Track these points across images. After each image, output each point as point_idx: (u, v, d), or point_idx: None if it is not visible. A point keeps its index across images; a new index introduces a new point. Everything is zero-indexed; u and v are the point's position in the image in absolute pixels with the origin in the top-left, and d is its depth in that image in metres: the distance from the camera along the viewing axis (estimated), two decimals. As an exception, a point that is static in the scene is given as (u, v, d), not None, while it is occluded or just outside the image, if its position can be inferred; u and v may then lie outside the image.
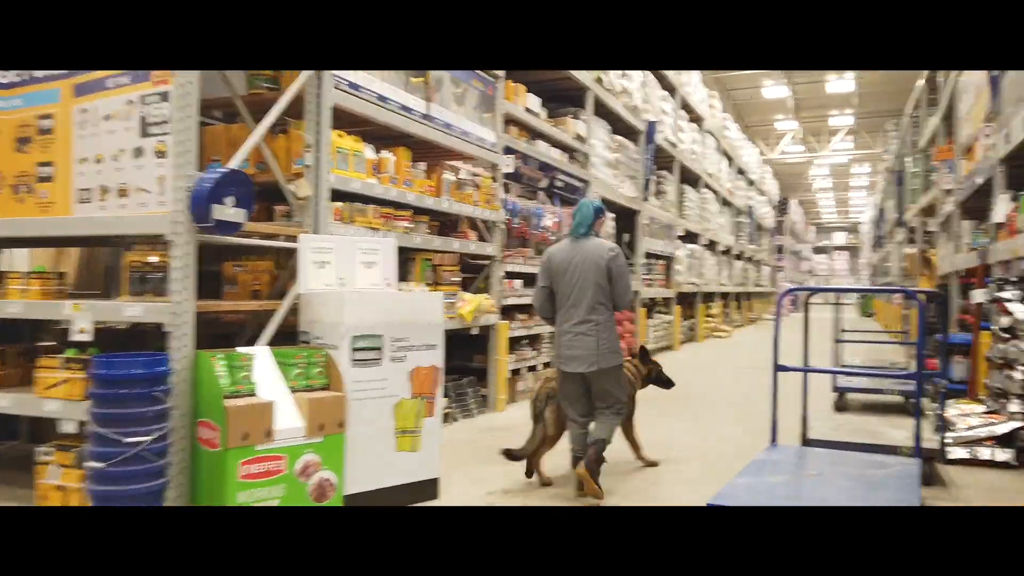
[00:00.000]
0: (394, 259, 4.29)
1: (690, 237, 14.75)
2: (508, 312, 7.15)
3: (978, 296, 5.61)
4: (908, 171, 14.52)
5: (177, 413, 3.33)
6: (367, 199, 5.01)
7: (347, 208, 4.85)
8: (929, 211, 12.66)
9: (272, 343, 3.79)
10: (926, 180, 12.75)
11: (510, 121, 7.25)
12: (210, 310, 3.86)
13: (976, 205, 8.04)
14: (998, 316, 5.31)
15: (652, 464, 4.77)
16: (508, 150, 6.95)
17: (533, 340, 7.67)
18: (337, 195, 4.67)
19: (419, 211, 5.63)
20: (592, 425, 4.14)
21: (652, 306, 12.44)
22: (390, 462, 3.73)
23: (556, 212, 8.43)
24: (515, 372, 7.14)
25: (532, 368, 7.53)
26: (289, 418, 3.33)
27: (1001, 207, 5.49)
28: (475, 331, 6.34)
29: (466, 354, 6.97)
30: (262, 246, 4.22)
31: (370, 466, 3.64)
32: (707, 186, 16.04)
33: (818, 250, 52.80)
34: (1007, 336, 5.05)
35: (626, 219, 10.81)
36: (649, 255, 11.69)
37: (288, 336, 3.98)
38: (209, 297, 4.32)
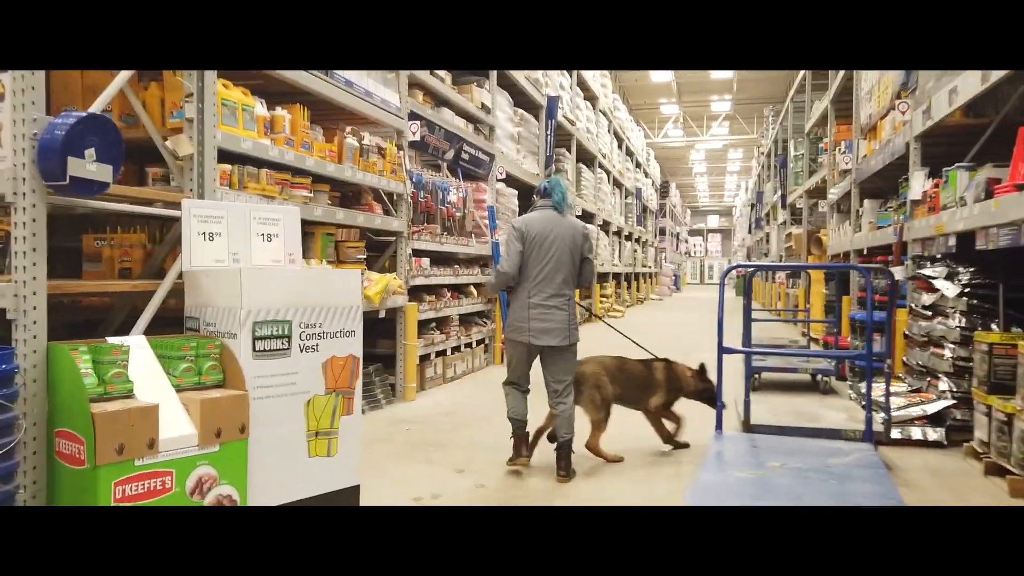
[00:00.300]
0: (297, 230, 3.66)
1: (585, 218, 14.60)
2: (415, 293, 6.59)
3: (897, 273, 5.60)
4: (792, 154, 14.97)
5: (27, 423, 2.61)
6: (260, 162, 4.31)
7: (237, 172, 4.14)
8: (817, 192, 13.08)
9: (150, 332, 3.10)
10: (811, 163, 13.15)
11: (414, 84, 6.65)
12: (66, 291, 3.11)
13: (873, 186, 8.22)
14: (918, 294, 5.29)
15: (684, 446, 4.59)
16: (413, 116, 6.35)
17: (441, 323, 7.14)
18: (224, 157, 3.96)
19: (319, 179, 4.97)
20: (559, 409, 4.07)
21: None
22: (302, 471, 3.13)
23: (461, 187, 7.91)
24: (424, 358, 6.61)
25: (441, 353, 7.01)
26: (176, 424, 2.67)
27: (917, 184, 5.48)
28: (382, 314, 5.75)
29: (371, 339, 6.34)
30: (133, 214, 3.48)
31: (279, 477, 3.03)
32: (601, 166, 15.96)
33: (693, 232, 54.91)
34: (930, 314, 5.02)
35: (528, 197, 10.41)
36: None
37: (170, 324, 3.29)
38: (66, 277, 3.54)
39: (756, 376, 6.76)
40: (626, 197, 20.21)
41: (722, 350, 4.10)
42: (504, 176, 8.66)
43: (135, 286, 3.42)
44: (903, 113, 5.88)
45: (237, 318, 2.96)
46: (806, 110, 13.45)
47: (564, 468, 3.92)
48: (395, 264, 6.17)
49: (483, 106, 8.34)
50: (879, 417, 4.66)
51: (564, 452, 3.95)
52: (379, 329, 6.26)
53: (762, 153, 23.12)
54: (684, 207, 46.68)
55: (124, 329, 3.29)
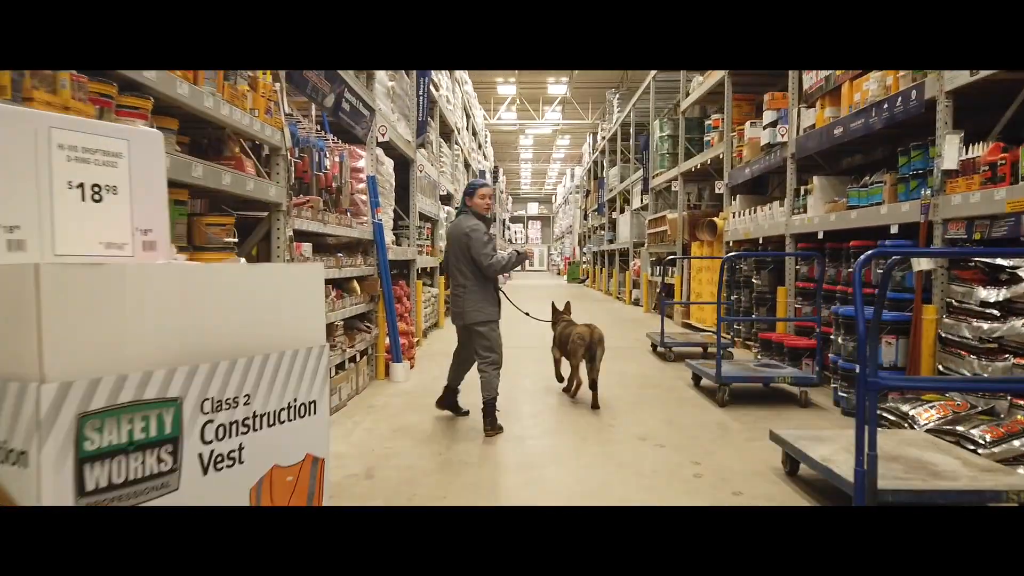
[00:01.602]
0: (159, 175, 1.74)
1: (446, 199, 12.92)
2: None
3: (924, 263, 4.57)
4: (656, 136, 14.23)
5: None
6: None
7: (18, 77, 2.09)
8: (697, 175, 12.34)
9: None
10: (688, 143, 12.38)
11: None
12: None
13: (809, 163, 7.33)
14: (965, 287, 4.25)
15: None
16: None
17: (331, 328, 5.20)
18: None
19: (162, 109, 2.94)
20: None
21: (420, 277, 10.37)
22: None
23: (339, 149, 5.96)
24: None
25: (340, 366, 5.08)
26: None
27: (952, 150, 4.46)
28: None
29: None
30: None
31: None
32: (457, 143, 14.33)
33: (515, 219, 54.81)
34: (997, 313, 3.98)
35: (400, 170, 8.54)
36: (421, 216, 9.59)
37: None
38: None
39: (724, 388, 5.52)
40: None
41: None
42: (386, 138, 6.78)
43: None
44: (902, 75, 4.84)
45: (29, 411, 1.05)
46: (681, 88, 12.67)
47: (490, 424, 4.72)
48: (268, 251, 4.19)
49: (361, 45, 6.40)
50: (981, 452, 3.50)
51: (487, 411, 4.73)
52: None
53: (603, 138, 22.59)
54: (507, 194, 46.20)
55: None
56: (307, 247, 4.67)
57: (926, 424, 4.00)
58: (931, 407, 4.15)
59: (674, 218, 12.51)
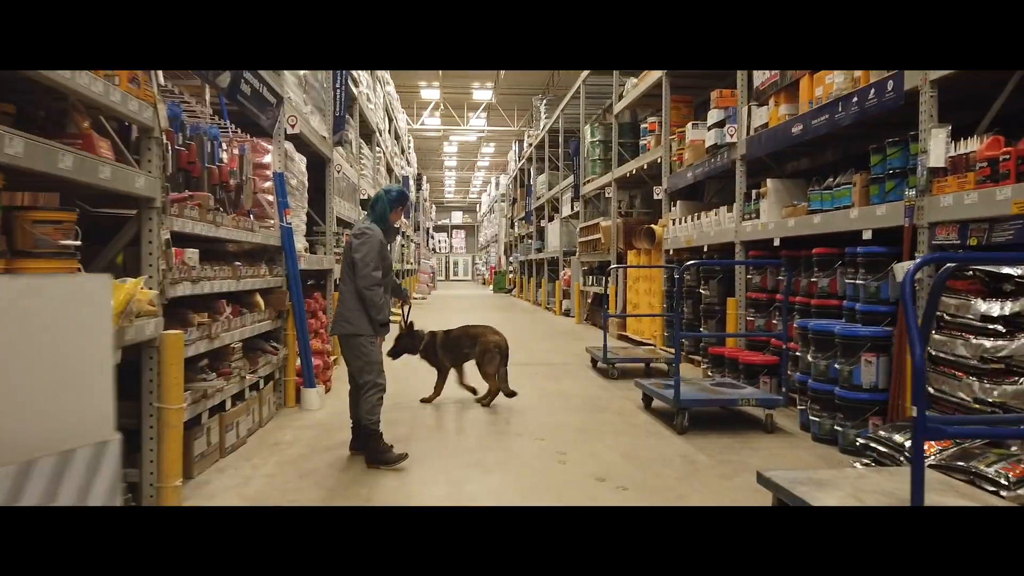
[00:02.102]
0: None
1: (364, 204, 12.03)
2: (174, 310, 3.77)
3: (900, 271, 4.07)
4: (588, 141, 13.74)
5: None
6: None
7: None
8: (631, 181, 11.87)
9: None
10: (622, 148, 11.91)
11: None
12: None
13: (758, 166, 6.87)
14: (961, 299, 3.76)
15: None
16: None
17: (217, 357, 4.33)
18: None
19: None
20: None
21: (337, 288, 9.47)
22: None
23: (239, 141, 5.09)
24: (190, 423, 3.79)
25: (218, 408, 4.20)
26: None
27: (939, 146, 3.98)
28: (115, 355, 2.91)
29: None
30: None
31: None
32: (379, 145, 13.47)
33: (439, 228, 53.93)
34: (1003, 329, 3.49)
35: (315, 169, 7.66)
36: (339, 221, 8.71)
37: None
38: None
39: (683, 413, 4.92)
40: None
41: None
42: (297, 130, 5.93)
43: None
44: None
45: None
46: (614, 92, 12.20)
47: (371, 457, 4.13)
48: (137, 259, 3.31)
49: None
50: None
51: (366, 441, 4.20)
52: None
53: (531, 144, 22.07)
54: (431, 203, 45.28)
55: None
56: (192, 253, 3.80)
57: (928, 458, 3.47)
58: (927, 437, 3.63)
59: (608, 225, 12.01)
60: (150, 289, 3.18)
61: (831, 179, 5.26)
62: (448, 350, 5.99)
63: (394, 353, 5.78)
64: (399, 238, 18.12)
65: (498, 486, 3.78)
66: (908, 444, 3.59)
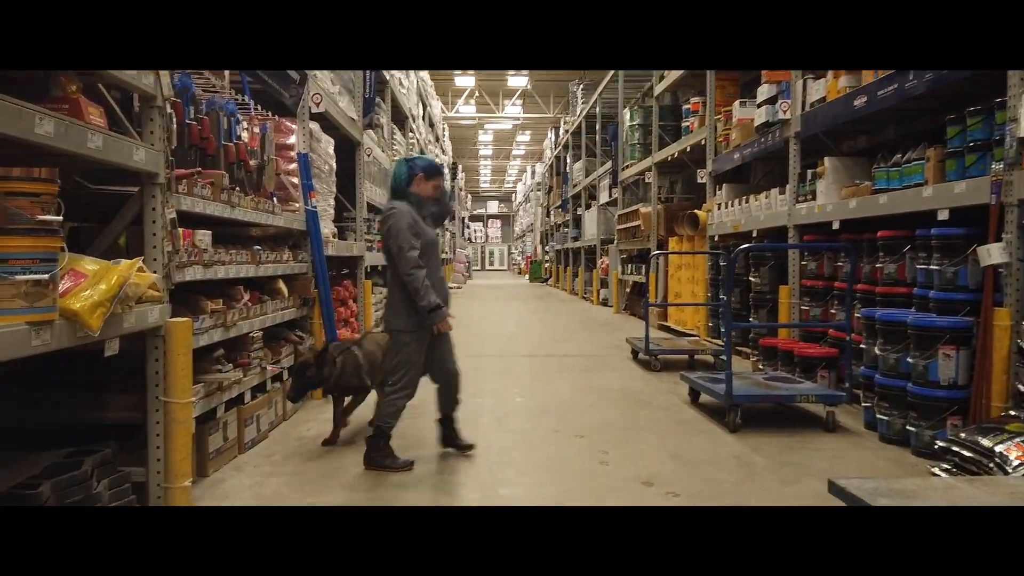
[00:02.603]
0: None
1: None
2: (184, 296, 3.50)
3: (996, 255, 3.62)
4: (626, 125, 13.28)
5: None
6: None
7: None
8: (670, 166, 11.41)
9: None
10: (662, 131, 11.45)
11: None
12: None
13: (814, 145, 6.40)
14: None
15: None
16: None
17: (234, 347, 4.07)
18: None
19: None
20: None
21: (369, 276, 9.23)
22: None
23: (261, 120, 4.83)
24: (204, 417, 3.52)
25: (236, 401, 3.94)
26: None
27: (1032, 114, 3.53)
28: (112, 346, 2.66)
29: (89, 397, 3.20)
30: None
31: None
32: (412, 131, 13.20)
33: (474, 218, 53.72)
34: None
35: (344, 154, 7.39)
36: (369, 207, 8.44)
37: None
38: None
39: (736, 409, 4.53)
40: (430, 173, 17.56)
41: None
42: (322, 109, 5.64)
43: None
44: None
45: None
46: (654, 73, 11.71)
47: (369, 459, 3.79)
48: (140, 240, 3.04)
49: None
50: None
51: (372, 440, 3.81)
52: (109, 374, 3.15)
53: (567, 131, 21.62)
54: (466, 192, 45.06)
55: None
56: (204, 235, 3.52)
57: (1019, 466, 3.05)
58: (1021, 440, 3.20)
59: (648, 212, 11.56)
60: (153, 272, 2.90)
61: (899, 155, 4.80)
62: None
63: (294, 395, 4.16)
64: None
65: (534, 490, 3.45)
66: (1000, 449, 3.17)
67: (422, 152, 15.65)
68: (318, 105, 5.60)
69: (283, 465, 3.83)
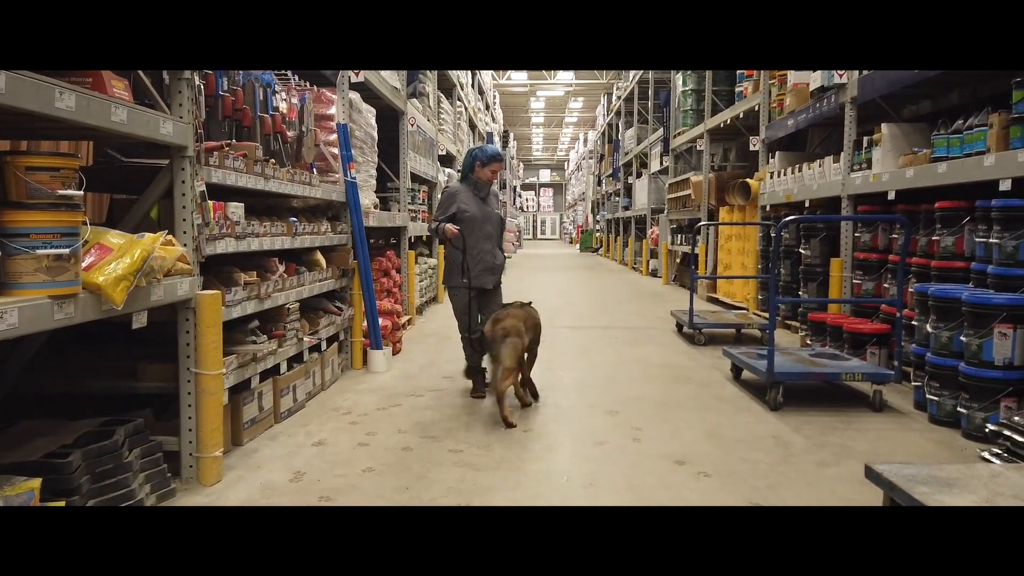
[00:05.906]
0: None
1: (446, 160, 11.73)
2: (215, 269, 3.54)
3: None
4: (678, 90, 12.93)
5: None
6: None
7: None
8: (724, 132, 11.10)
9: None
10: (715, 98, 11.11)
11: None
12: None
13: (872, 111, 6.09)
14: None
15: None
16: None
17: (268, 318, 4.12)
18: None
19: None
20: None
21: (414, 246, 9.26)
22: None
23: (296, 89, 4.82)
24: (238, 387, 3.58)
25: (272, 372, 4.00)
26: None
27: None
28: (140, 319, 2.70)
29: (120, 364, 3.27)
30: None
31: None
32: (460, 99, 13.09)
33: (526, 187, 53.43)
34: None
35: (387, 123, 7.37)
36: (414, 177, 8.43)
37: None
38: None
39: (778, 386, 4.39)
40: (480, 143, 17.49)
41: None
42: (361, 78, 5.61)
43: None
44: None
45: None
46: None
47: (477, 388, 4.75)
48: (170, 213, 3.07)
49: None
50: None
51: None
52: (139, 343, 3.22)
53: (619, 98, 21.21)
54: (518, 161, 44.77)
55: None
56: (236, 207, 3.54)
57: (1079, 453, 2.87)
58: (1080, 426, 3.01)
59: (699, 181, 11.28)
60: (183, 245, 2.93)
61: (960, 121, 4.53)
62: None
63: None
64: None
65: (562, 468, 3.41)
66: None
67: (472, 123, 15.56)
68: (357, 75, 5.57)
69: (316, 435, 3.87)
